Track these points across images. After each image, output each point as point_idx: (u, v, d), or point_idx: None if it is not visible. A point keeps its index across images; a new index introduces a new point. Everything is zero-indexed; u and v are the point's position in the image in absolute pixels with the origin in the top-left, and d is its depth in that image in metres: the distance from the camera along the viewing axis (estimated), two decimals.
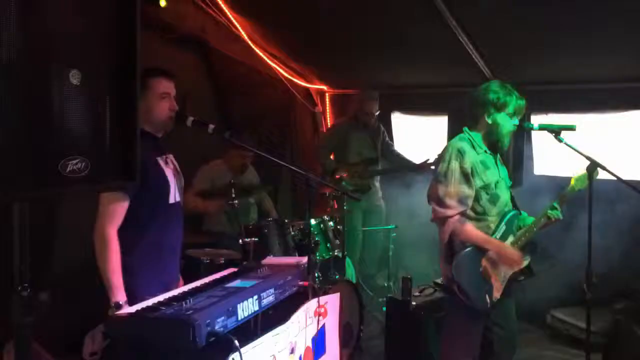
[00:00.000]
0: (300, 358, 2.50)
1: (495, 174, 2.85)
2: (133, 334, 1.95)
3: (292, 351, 2.41)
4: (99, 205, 2.36)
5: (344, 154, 5.07)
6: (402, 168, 5.06)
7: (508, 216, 2.86)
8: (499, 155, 2.95)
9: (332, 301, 2.91)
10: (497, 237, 2.82)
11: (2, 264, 1.49)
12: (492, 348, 2.91)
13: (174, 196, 2.55)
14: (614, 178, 2.80)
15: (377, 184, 5.17)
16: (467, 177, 2.73)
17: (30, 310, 1.44)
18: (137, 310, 2.02)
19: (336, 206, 4.55)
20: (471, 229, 2.73)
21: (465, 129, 2.90)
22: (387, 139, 5.27)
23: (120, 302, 2.28)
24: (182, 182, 2.67)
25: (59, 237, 3.60)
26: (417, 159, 5.03)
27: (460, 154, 2.75)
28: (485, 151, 2.85)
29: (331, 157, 5.19)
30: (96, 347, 2.37)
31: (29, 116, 1.32)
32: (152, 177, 2.43)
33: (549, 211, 2.82)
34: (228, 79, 5.29)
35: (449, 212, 2.70)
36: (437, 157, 2.92)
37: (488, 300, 2.75)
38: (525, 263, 2.86)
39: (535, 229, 2.84)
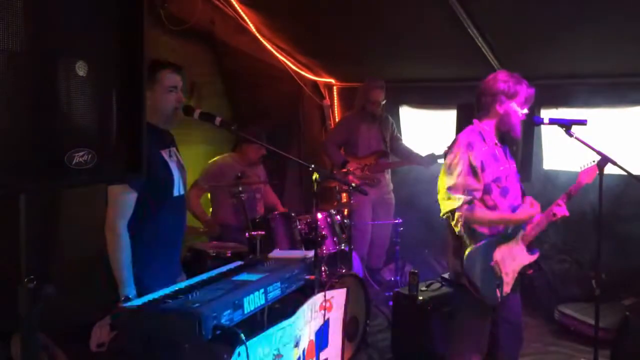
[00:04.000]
0: (303, 352, 2.50)
1: (505, 167, 2.83)
2: (139, 326, 1.95)
3: (297, 345, 2.41)
4: (108, 200, 2.37)
5: (353, 147, 5.04)
6: (410, 162, 5.02)
7: (519, 210, 2.84)
8: (508, 149, 2.93)
9: (338, 295, 2.90)
10: (509, 232, 2.80)
11: (9, 256, 1.49)
12: (498, 343, 2.90)
13: (178, 189, 2.55)
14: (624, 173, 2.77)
15: (388, 177, 5.14)
16: (475, 170, 2.70)
17: (37, 302, 1.44)
18: (144, 303, 2.02)
19: (343, 200, 4.54)
20: (482, 212, 2.70)
21: (476, 120, 2.87)
22: (395, 132, 5.23)
23: (130, 296, 2.28)
24: (185, 176, 2.67)
25: (67, 227, 3.62)
26: (424, 153, 5.00)
27: (470, 146, 2.72)
28: (496, 143, 2.82)
29: (341, 151, 5.17)
30: (103, 339, 2.37)
31: (35, 108, 1.32)
32: (156, 170, 2.43)
33: (555, 208, 2.80)
34: (236, 71, 5.28)
35: (455, 203, 2.67)
36: (445, 149, 2.88)
37: (498, 295, 2.73)
38: (534, 258, 2.86)
39: (543, 225, 2.82)
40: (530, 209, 2.78)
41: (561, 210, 2.79)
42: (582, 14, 3.51)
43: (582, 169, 2.87)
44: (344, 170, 4.82)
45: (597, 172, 2.82)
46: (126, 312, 2.02)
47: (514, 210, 2.82)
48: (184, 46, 4.60)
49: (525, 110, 2.81)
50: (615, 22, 3.51)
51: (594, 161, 2.85)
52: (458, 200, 2.67)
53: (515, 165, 2.94)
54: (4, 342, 2.63)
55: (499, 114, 2.78)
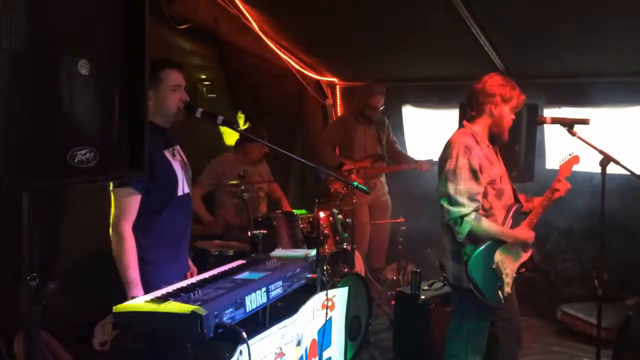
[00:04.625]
0: (306, 350, 2.50)
1: (499, 168, 2.84)
2: (141, 325, 1.96)
3: (299, 343, 2.41)
4: (113, 202, 2.37)
5: (349, 148, 5.03)
6: (406, 166, 5.01)
7: (513, 209, 2.85)
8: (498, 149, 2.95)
9: (340, 294, 2.90)
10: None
11: (11, 254, 1.50)
12: (497, 342, 2.90)
13: (182, 188, 2.56)
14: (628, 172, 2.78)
15: (383, 179, 5.14)
16: (476, 173, 2.70)
17: (39, 300, 1.44)
18: (146, 302, 2.03)
19: (345, 200, 4.53)
20: (488, 223, 2.71)
21: (466, 122, 2.87)
22: (392, 135, 5.22)
23: (138, 297, 2.29)
24: (189, 174, 2.68)
25: (69, 226, 3.62)
26: (426, 153, 4.99)
27: (468, 150, 2.71)
28: (488, 145, 2.83)
29: (336, 151, 5.16)
30: (106, 337, 2.38)
31: (38, 106, 1.32)
32: (160, 170, 2.43)
33: (556, 184, 2.86)
34: (240, 70, 5.27)
35: (464, 210, 2.66)
36: (441, 153, 2.88)
37: (501, 296, 2.74)
38: (527, 256, 2.89)
39: (541, 210, 2.87)
40: (529, 233, 2.84)
41: (563, 185, 2.85)
42: (584, 13, 3.50)
43: (562, 162, 2.93)
44: (346, 169, 4.81)
45: (575, 163, 2.92)
46: (128, 311, 2.03)
47: (508, 209, 2.85)
48: (187, 45, 4.61)
49: (513, 116, 2.85)
50: (617, 23, 3.50)
51: (570, 154, 2.94)
52: (466, 207, 2.66)
53: (504, 166, 2.95)
54: (7, 341, 2.64)
55: (494, 116, 2.80)
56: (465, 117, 2.91)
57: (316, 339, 2.63)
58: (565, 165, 2.93)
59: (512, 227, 2.82)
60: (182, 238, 2.64)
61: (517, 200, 2.94)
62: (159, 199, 2.46)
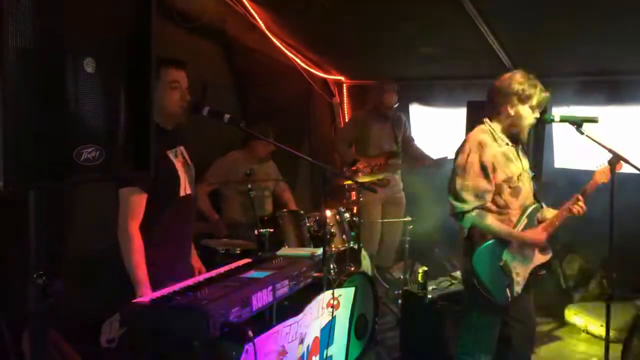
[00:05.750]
0: (307, 348, 2.50)
1: (517, 166, 2.80)
2: (149, 323, 1.97)
3: (302, 342, 2.41)
4: (119, 202, 2.37)
5: (364, 145, 5.04)
6: (421, 164, 5.01)
7: (530, 210, 2.81)
8: (520, 147, 2.90)
9: (345, 294, 2.90)
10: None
11: (18, 252, 1.50)
12: (510, 343, 2.88)
13: (185, 189, 2.54)
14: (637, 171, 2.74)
15: (397, 176, 5.14)
16: (486, 170, 2.68)
17: (46, 298, 1.45)
18: (153, 300, 2.03)
19: (353, 198, 4.53)
20: (492, 222, 2.69)
21: (486, 119, 2.84)
22: (409, 132, 5.23)
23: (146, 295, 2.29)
24: (192, 173, 2.65)
25: (77, 224, 3.64)
26: (435, 152, 4.98)
27: (481, 146, 2.69)
28: (507, 143, 2.79)
29: (352, 149, 5.17)
30: (113, 335, 2.38)
31: (44, 104, 1.32)
32: (161, 171, 2.41)
33: (572, 205, 2.77)
34: (247, 69, 5.27)
35: (466, 206, 2.65)
36: (456, 150, 2.85)
37: (508, 295, 2.71)
38: (546, 258, 2.84)
39: (557, 223, 2.79)
40: (540, 236, 2.77)
41: (579, 207, 2.77)
42: (592, 12, 3.47)
43: (598, 168, 2.84)
44: (354, 168, 4.81)
45: (618, 169, 2.79)
46: (135, 309, 2.03)
47: (524, 209, 2.80)
48: (195, 43, 4.60)
49: (537, 115, 2.78)
50: (626, 20, 3.47)
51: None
52: (469, 203, 2.65)
53: (528, 164, 2.91)
54: (15, 339, 2.65)
55: (510, 115, 2.75)
56: (486, 113, 2.87)
57: (319, 337, 2.62)
58: (602, 171, 2.80)
59: (527, 227, 2.79)
60: (184, 239, 2.63)
61: (537, 200, 2.91)
62: (161, 199, 2.44)
